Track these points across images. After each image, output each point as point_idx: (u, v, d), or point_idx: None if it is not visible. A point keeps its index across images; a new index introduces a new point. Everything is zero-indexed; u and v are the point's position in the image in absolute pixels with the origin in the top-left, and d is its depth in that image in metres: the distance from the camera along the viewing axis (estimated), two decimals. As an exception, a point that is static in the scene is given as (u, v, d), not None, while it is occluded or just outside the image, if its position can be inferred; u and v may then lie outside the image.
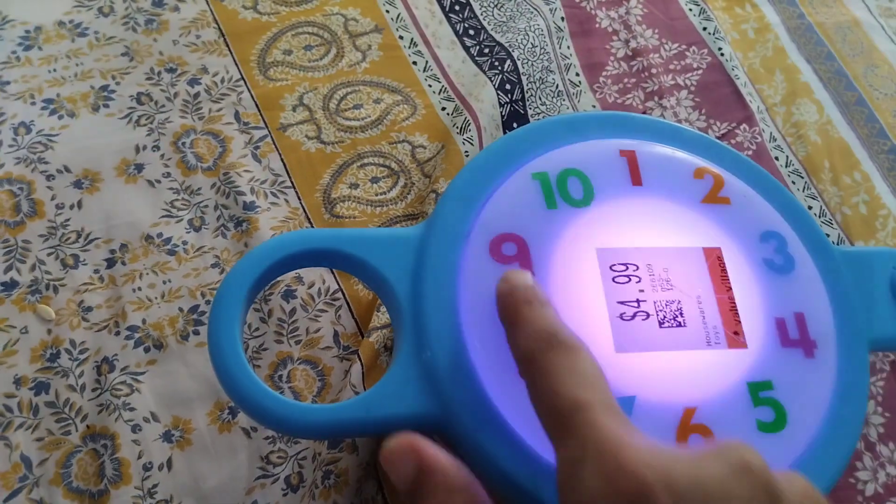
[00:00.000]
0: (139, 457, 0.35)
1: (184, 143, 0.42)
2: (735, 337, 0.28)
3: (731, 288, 0.28)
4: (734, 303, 0.28)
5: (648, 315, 0.27)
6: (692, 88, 0.50)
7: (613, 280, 0.27)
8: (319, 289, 0.39)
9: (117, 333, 0.37)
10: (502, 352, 0.26)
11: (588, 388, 0.21)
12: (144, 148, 0.42)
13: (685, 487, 0.18)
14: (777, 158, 0.48)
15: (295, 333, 0.38)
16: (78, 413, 0.35)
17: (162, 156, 0.42)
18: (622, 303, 0.27)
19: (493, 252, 0.27)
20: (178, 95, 0.44)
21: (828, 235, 0.47)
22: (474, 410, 0.25)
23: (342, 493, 0.34)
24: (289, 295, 0.39)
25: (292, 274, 0.39)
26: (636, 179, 0.30)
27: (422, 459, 0.22)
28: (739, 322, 0.28)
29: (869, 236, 0.47)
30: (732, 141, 0.48)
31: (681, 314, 0.27)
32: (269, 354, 0.38)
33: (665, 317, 0.27)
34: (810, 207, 0.47)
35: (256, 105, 0.44)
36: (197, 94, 0.44)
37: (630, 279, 0.27)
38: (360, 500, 0.35)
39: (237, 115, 0.44)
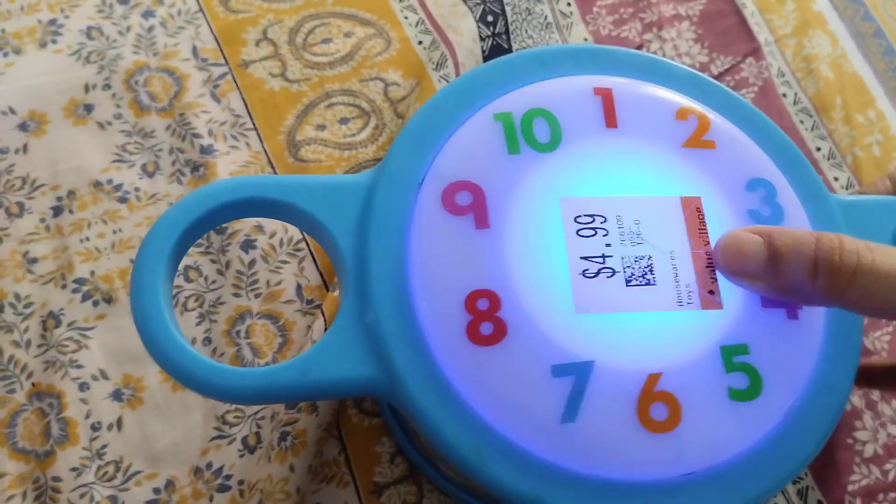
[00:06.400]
0: (87, 416, 0.33)
1: (137, 82, 0.39)
2: (710, 297, 0.25)
3: (709, 242, 0.25)
4: (710, 258, 0.25)
5: (614, 272, 0.24)
6: (694, 19, 0.46)
7: (577, 233, 0.25)
8: (282, 238, 0.37)
9: (64, 286, 0.35)
10: (453, 313, 0.23)
11: None
12: (94, 87, 0.39)
13: None
14: (785, 95, 0.45)
15: (254, 286, 0.36)
16: (23, 370, 0.33)
17: (113, 95, 0.39)
18: (586, 258, 0.24)
19: (446, 202, 0.25)
20: (130, 29, 0.40)
21: (836, 179, 0.43)
22: (420, 376, 0.23)
23: (299, 455, 0.32)
24: (248, 245, 0.36)
25: (252, 222, 0.37)
26: (611, 121, 0.27)
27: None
28: (716, 280, 0.25)
29: (881, 180, 0.43)
30: (737, 76, 0.45)
31: (651, 272, 0.25)
32: (226, 309, 0.35)
33: (633, 274, 0.24)
34: (819, 149, 0.43)
35: (216, 39, 0.41)
36: (151, 28, 0.40)
37: (596, 232, 0.25)
38: (320, 463, 0.33)
39: (195, 51, 0.40)
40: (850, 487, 0.36)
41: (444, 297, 0.23)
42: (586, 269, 0.24)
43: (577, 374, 0.23)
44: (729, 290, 0.25)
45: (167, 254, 0.24)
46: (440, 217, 0.24)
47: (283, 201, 0.25)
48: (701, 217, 0.26)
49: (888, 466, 0.37)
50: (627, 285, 0.24)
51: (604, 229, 0.25)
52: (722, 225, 0.26)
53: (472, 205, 0.24)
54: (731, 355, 0.24)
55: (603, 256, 0.24)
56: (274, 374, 0.23)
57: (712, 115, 0.27)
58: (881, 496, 0.36)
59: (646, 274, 0.25)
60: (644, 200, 0.25)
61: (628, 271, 0.24)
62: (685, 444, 0.23)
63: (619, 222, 0.25)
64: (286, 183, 0.25)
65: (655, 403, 0.23)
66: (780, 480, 0.24)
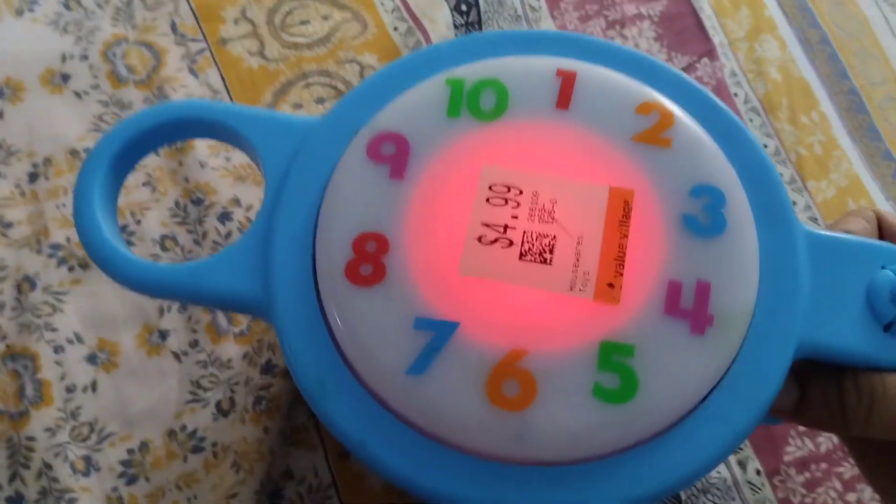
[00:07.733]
0: (62, 378, 0.33)
1: (114, 54, 0.40)
2: (607, 289, 0.23)
3: (626, 235, 0.24)
4: (623, 252, 0.24)
5: (511, 243, 0.24)
6: (655, 19, 0.49)
7: (488, 200, 0.25)
8: (258, 211, 0.38)
9: (39, 251, 0.35)
10: (340, 250, 0.24)
11: None
12: (72, 57, 0.39)
13: None
14: (736, 95, 0.47)
15: (230, 257, 0.37)
16: (-3, 332, 0.34)
17: (90, 66, 0.39)
18: (487, 225, 0.24)
19: (371, 150, 0.25)
20: (109, 2, 0.41)
21: (780, 175, 0.46)
22: (292, 301, 0.24)
23: (273, 418, 0.33)
24: (225, 217, 0.37)
25: (229, 196, 0.38)
26: (563, 102, 0.26)
27: None
28: (621, 275, 0.24)
29: (822, 176, 0.46)
30: (693, 75, 0.47)
31: (550, 251, 0.24)
32: (202, 277, 0.36)
33: (529, 249, 0.24)
34: (766, 146, 0.46)
35: (195, 16, 0.41)
36: (130, 2, 0.41)
37: (507, 202, 0.25)
38: (291, 426, 0.34)
39: (174, 26, 0.41)
40: (786, 458, 0.39)
41: (337, 234, 0.24)
42: (483, 236, 0.24)
43: (437, 332, 0.23)
44: (634, 289, 0.24)
45: (113, 153, 0.26)
46: (361, 163, 0.25)
47: (228, 125, 0.27)
48: (627, 210, 0.25)
49: (820, 440, 0.40)
50: (520, 259, 0.24)
51: (515, 202, 0.25)
52: (648, 223, 0.24)
53: (393, 156, 0.25)
54: (612, 353, 0.23)
55: (505, 227, 0.24)
56: (169, 271, 0.25)
57: (680, 115, 0.26)
58: (813, 466, 0.39)
59: (543, 252, 0.24)
60: (569, 183, 0.25)
61: (526, 246, 0.24)
62: (529, 428, 0.22)
63: (535, 199, 0.25)
64: (234, 111, 0.27)
65: (510, 380, 0.22)
66: (638, 499, 0.22)
